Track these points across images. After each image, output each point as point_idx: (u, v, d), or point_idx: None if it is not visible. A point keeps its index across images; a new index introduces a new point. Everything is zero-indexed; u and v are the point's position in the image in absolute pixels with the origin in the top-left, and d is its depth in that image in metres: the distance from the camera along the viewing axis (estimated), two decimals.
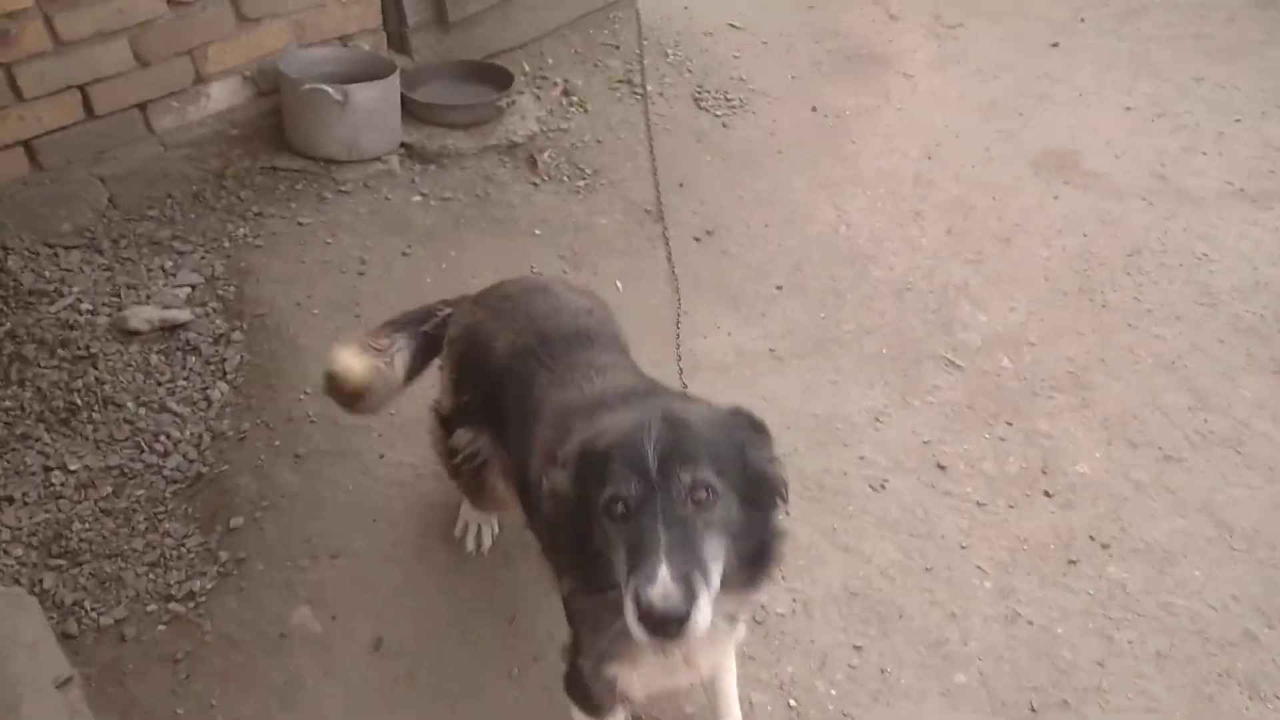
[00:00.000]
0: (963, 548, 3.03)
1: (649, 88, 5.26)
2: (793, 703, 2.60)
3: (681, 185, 4.73)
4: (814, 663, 2.70)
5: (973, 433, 3.46)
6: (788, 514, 1.93)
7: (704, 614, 1.60)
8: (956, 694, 2.62)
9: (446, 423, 2.70)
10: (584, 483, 1.80)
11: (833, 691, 2.63)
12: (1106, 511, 3.15)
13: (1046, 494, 3.21)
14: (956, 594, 2.89)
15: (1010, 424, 3.50)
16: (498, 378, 2.43)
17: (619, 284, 4.09)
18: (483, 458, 2.58)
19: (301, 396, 3.43)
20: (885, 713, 2.57)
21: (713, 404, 2.02)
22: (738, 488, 1.78)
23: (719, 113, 5.25)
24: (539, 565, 2.62)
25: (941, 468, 3.31)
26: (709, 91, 5.38)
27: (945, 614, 2.83)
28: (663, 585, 1.57)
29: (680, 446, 1.73)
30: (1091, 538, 3.05)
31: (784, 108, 5.36)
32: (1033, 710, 2.57)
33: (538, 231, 4.39)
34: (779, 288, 4.14)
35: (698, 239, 4.39)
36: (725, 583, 1.74)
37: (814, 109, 5.37)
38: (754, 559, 1.86)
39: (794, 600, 2.86)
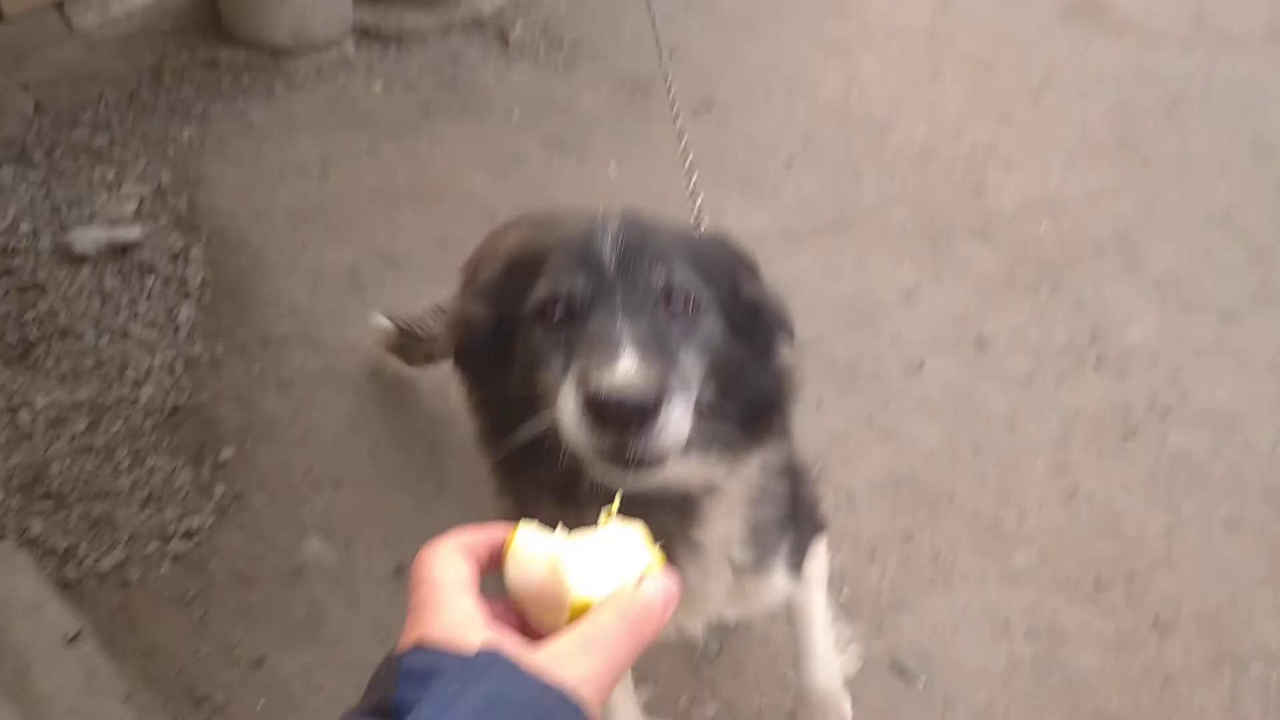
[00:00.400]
0: (1011, 428, 3.08)
1: None
2: (844, 595, 2.67)
3: (673, 54, 4.61)
4: (864, 553, 2.76)
5: (1013, 304, 3.48)
6: (791, 351, 1.71)
7: (677, 420, 1.28)
8: (1017, 574, 2.70)
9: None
10: (508, 298, 1.53)
11: (885, 581, 2.70)
12: (1164, 379, 3.20)
13: (1098, 362, 3.26)
14: (1009, 474, 2.95)
15: (1053, 291, 3.52)
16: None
17: (612, 167, 4.04)
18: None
19: (276, 316, 3.40)
20: (943, 597, 2.65)
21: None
22: (728, 316, 1.54)
23: None
24: None
25: (982, 344, 3.34)
26: None
27: (998, 494, 2.89)
28: (624, 365, 1.27)
29: (651, 242, 1.48)
30: (1150, 407, 3.11)
31: None
32: (1098, 583, 2.66)
33: (517, 115, 4.30)
34: (789, 162, 4.10)
35: (696, 113, 4.32)
36: (720, 439, 1.53)
37: None
38: (755, 410, 1.59)
39: (837, 493, 2.91)
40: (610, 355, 1.29)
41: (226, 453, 3.00)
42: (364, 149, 4.10)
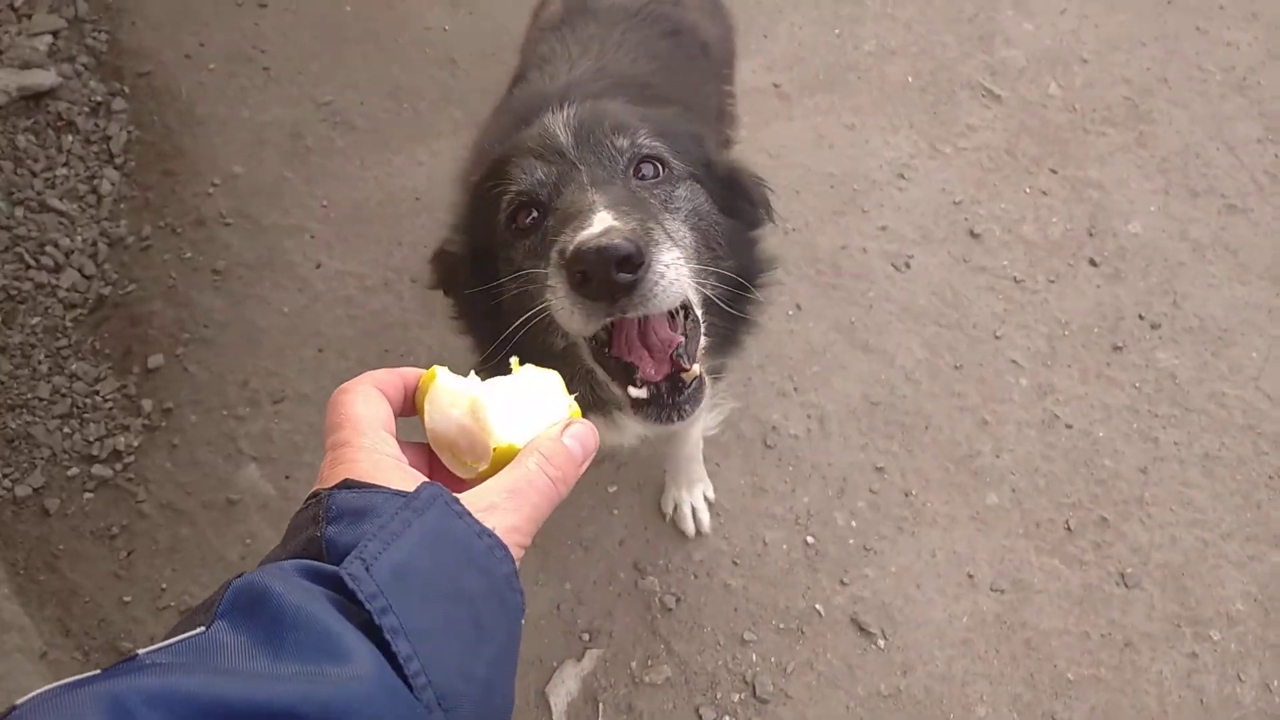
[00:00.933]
0: (997, 338, 2.66)
1: None
2: (810, 539, 2.37)
3: None
4: (832, 490, 2.44)
5: (1011, 186, 2.93)
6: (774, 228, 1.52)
7: (673, 267, 1.11)
8: (987, 517, 2.40)
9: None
10: (481, 223, 1.36)
11: (853, 523, 2.40)
12: (1159, 282, 2.74)
13: (1092, 262, 2.78)
14: (989, 396, 2.57)
15: (1055, 171, 2.96)
16: None
17: None
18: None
19: (210, 190, 2.80)
20: (910, 544, 2.36)
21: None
22: (703, 176, 1.35)
23: None
24: None
25: (975, 236, 2.84)
26: None
27: (976, 421, 2.53)
28: (599, 219, 1.11)
29: (607, 116, 1.31)
30: (1141, 316, 2.68)
31: None
32: (1069, 530, 2.37)
33: None
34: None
35: None
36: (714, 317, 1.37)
37: None
38: (732, 287, 1.38)
39: (809, 416, 2.53)
40: (584, 220, 1.12)
41: (155, 359, 2.54)
42: None
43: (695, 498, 2.34)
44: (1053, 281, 2.77)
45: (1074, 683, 2.16)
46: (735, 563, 2.32)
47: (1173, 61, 3.22)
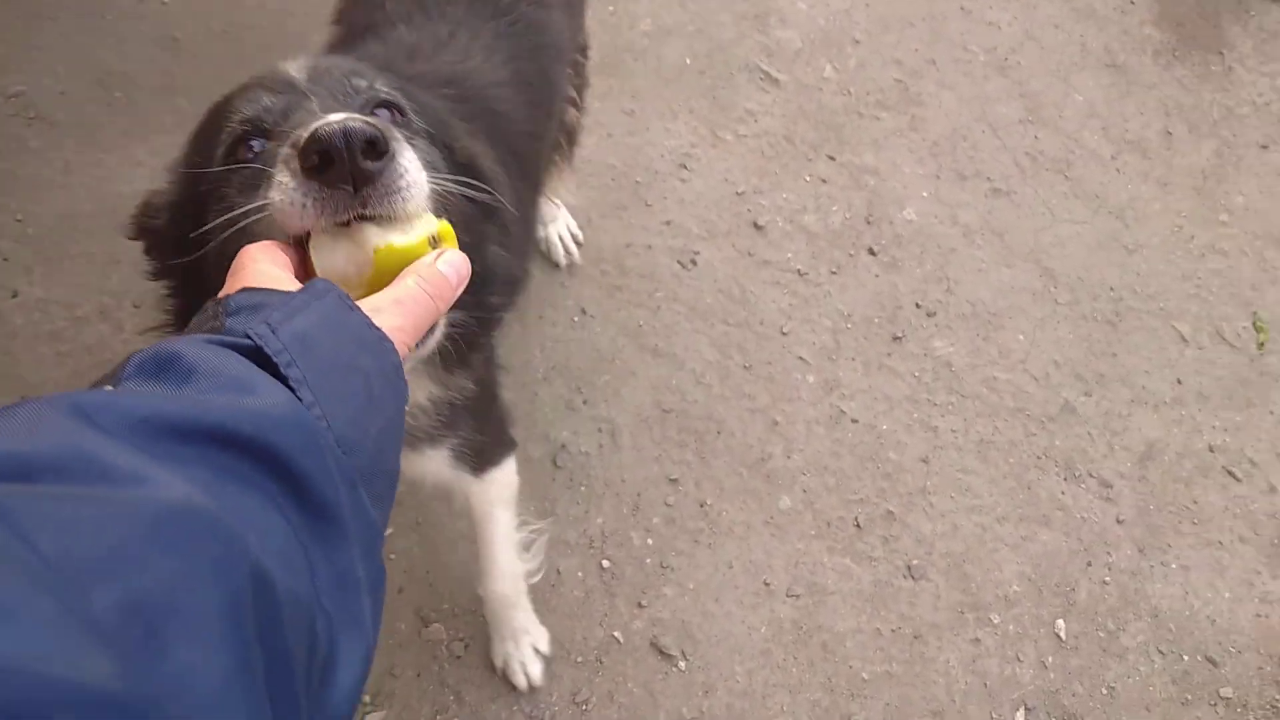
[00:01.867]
0: (784, 334, 2.66)
1: None
2: (606, 562, 2.29)
3: None
4: (627, 507, 2.36)
5: (792, 174, 2.94)
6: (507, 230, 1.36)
7: (413, 165, 1.00)
8: (781, 520, 2.40)
9: None
10: (196, 166, 1.18)
11: (650, 540, 2.34)
12: (933, 270, 2.83)
13: (871, 251, 2.84)
14: (779, 395, 2.57)
15: (833, 158, 2.99)
16: None
17: None
18: None
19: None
20: (708, 556, 2.32)
21: None
22: (444, 159, 1.24)
23: None
24: None
25: (758, 228, 2.82)
26: None
27: (767, 422, 2.52)
28: (335, 115, 0.99)
29: (346, 63, 1.25)
30: (918, 304, 2.76)
31: None
32: (858, 526, 2.41)
33: None
34: None
35: None
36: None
37: None
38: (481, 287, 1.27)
39: (600, 430, 2.44)
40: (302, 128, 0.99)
41: None
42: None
43: (523, 652, 2.12)
44: (834, 273, 2.80)
45: (868, 681, 2.22)
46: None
47: (939, 42, 3.33)
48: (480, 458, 1.74)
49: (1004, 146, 3.13)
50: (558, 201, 2.59)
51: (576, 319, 2.58)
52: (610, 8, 3.12)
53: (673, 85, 3.03)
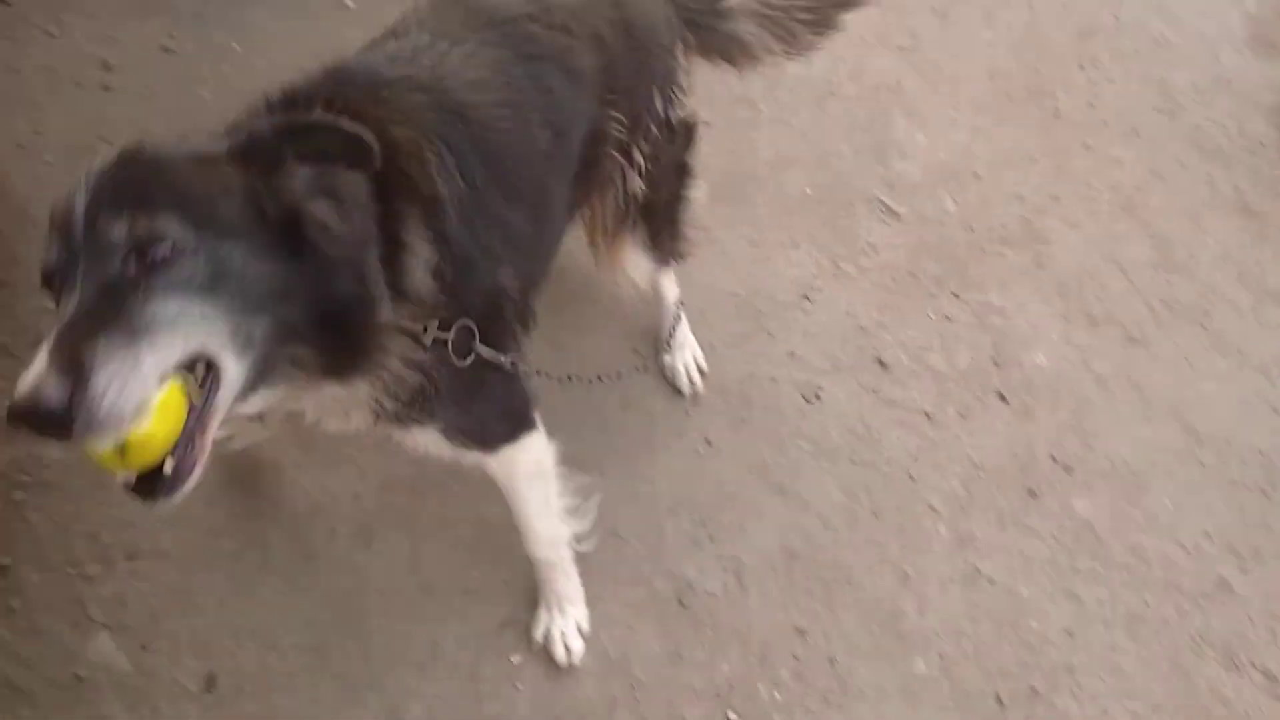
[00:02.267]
0: (912, 479, 2.53)
1: None
2: (733, 715, 2.13)
3: None
4: (754, 657, 2.21)
5: (916, 310, 2.85)
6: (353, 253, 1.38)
7: (102, 406, 1.11)
8: (916, 687, 2.23)
9: None
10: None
11: (777, 695, 2.18)
12: (1069, 420, 2.70)
13: (1001, 396, 2.72)
14: (909, 546, 2.43)
15: (957, 295, 2.91)
16: None
17: None
18: None
19: (39, 305, 2.35)
20: (838, 718, 2.16)
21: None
22: (250, 233, 1.28)
23: None
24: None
25: (883, 364, 2.72)
26: None
27: (898, 576, 2.37)
28: (31, 374, 1.11)
29: (124, 190, 1.26)
30: (1054, 458, 2.62)
31: None
32: (1000, 703, 2.23)
33: (354, 3, 3.12)
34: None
35: None
36: (304, 364, 1.37)
37: None
38: (334, 332, 1.37)
39: (725, 570, 2.31)
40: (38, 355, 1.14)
41: None
42: (157, 45, 2.88)
43: (566, 623, 2.16)
44: (963, 417, 2.68)
45: None
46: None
47: (1062, 178, 3.26)
48: (480, 439, 1.79)
49: (1135, 290, 3.02)
50: (628, 276, 2.40)
51: (701, 450, 2.49)
52: (732, 135, 3.12)
53: (794, 214, 2.99)
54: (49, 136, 2.67)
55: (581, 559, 2.17)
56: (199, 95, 2.80)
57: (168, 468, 1.23)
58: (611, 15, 1.97)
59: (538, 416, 1.90)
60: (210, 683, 2.03)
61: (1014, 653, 2.31)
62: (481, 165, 1.62)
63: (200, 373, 1.25)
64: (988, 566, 2.43)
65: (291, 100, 1.51)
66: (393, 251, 1.45)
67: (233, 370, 1.27)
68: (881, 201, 3.07)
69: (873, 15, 3.50)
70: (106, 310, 1.17)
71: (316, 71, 1.60)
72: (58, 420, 1.09)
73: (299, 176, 1.32)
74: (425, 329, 1.50)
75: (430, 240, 1.50)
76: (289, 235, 1.30)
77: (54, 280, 1.23)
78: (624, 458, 2.44)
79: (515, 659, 2.15)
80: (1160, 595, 2.44)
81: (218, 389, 1.27)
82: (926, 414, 2.66)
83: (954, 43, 3.57)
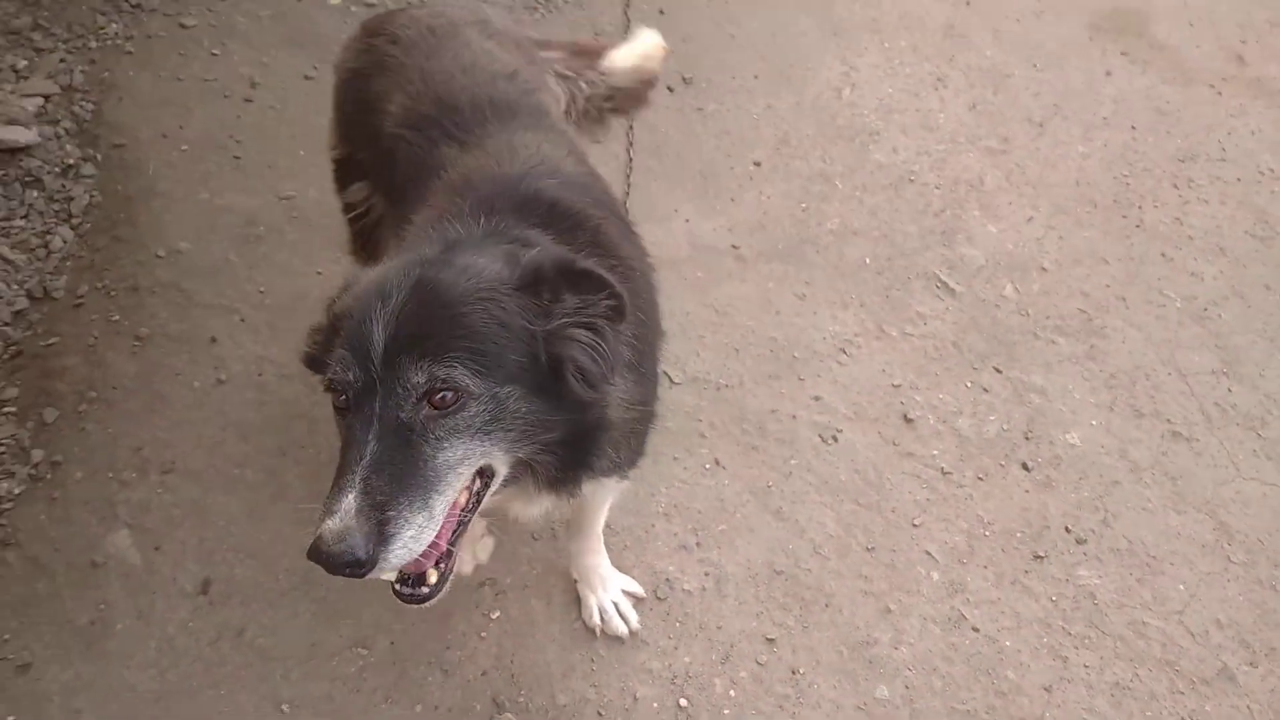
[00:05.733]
0: (915, 525, 2.72)
1: None
2: (684, 702, 2.36)
3: (662, 13, 4.07)
4: (717, 654, 2.44)
5: (953, 379, 3.07)
6: (600, 393, 1.61)
7: (397, 557, 1.40)
8: (875, 710, 2.38)
9: (341, 169, 2.43)
10: (324, 350, 1.57)
11: (732, 692, 2.39)
12: (1091, 497, 2.82)
13: (1025, 466, 2.88)
14: (897, 584, 2.60)
15: (999, 371, 3.11)
16: (389, 145, 2.08)
17: None
18: (376, 215, 2.37)
19: (153, 260, 2.98)
20: None
21: (543, 247, 1.65)
22: (524, 374, 1.51)
23: None
24: None
25: (908, 421, 2.95)
26: None
27: (879, 608, 2.55)
28: (340, 520, 1.37)
29: (422, 330, 1.44)
30: (1067, 529, 2.74)
31: None
32: None
33: None
34: (758, 164, 3.61)
35: (671, 88, 3.80)
36: (542, 470, 1.62)
37: None
38: (572, 448, 1.63)
39: (706, 574, 2.57)
40: (335, 500, 1.39)
41: (52, 414, 2.65)
42: (301, 73, 3.59)
43: (615, 594, 2.46)
44: (981, 479, 2.85)
45: None
46: (600, 714, 2.31)
47: (1134, 283, 3.43)
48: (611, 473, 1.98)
49: (1190, 393, 3.12)
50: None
51: (708, 467, 2.78)
52: (803, 205, 3.50)
53: (848, 279, 3.30)
54: (188, 131, 3.35)
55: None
56: (322, 121, 3.46)
57: (432, 577, 1.54)
58: None
59: None
60: (205, 587, 2.44)
61: (984, 697, 2.42)
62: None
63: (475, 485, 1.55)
64: (975, 615, 2.56)
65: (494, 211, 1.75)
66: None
67: (494, 485, 1.58)
68: (939, 279, 3.34)
69: (967, 118, 3.91)
70: (401, 456, 1.42)
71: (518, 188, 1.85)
72: (357, 567, 1.36)
73: (569, 321, 1.54)
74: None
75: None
76: (554, 375, 1.53)
77: (347, 400, 1.47)
78: None
79: (494, 615, 2.46)
80: (1154, 672, 2.48)
81: (483, 499, 1.56)
82: (943, 470, 2.85)
83: (1046, 150, 3.85)
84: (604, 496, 2.19)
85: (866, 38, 4.16)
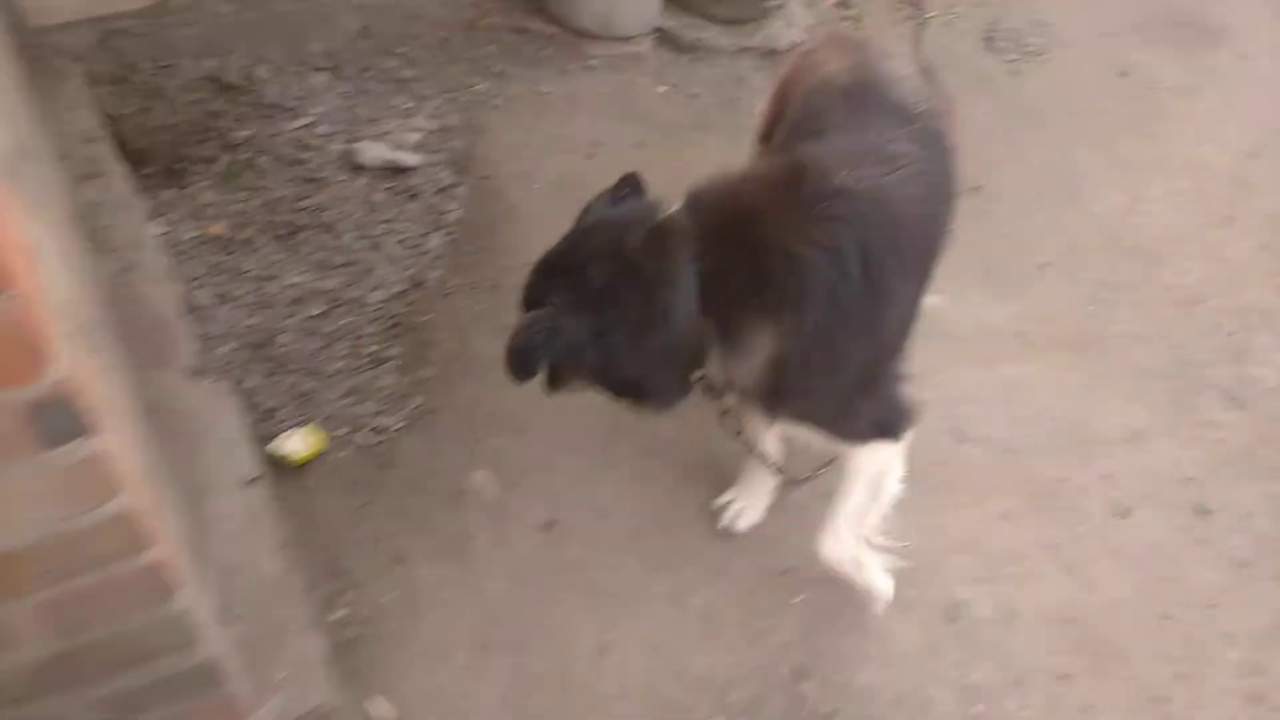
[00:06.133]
0: (1212, 606, 2.74)
1: (933, 14, 4.95)
2: (981, 708, 2.46)
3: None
4: (1009, 678, 2.53)
5: (1247, 482, 3.10)
6: None
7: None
8: None
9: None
10: None
11: (1026, 713, 2.46)
12: None
13: None
14: (1195, 654, 2.62)
15: None
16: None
17: None
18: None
19: (513, 268, 3.46)
20: None
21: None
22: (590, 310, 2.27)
23: (1010, 57, 4.86)
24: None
25: (1203, 511, 2.99)
26: (1003, 30, 4.99)
27: (1175, 672, 2.57)
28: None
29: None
30: None
31: (1088, 66, 4.90)
32: None
33: None
34: (1043, 267, 3.83)
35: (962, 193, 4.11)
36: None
37: (1123, 74, 4.88)
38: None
39: (997, 606, 2.68)
40: None
41: (429, 371, 3.15)
42: (633, 142, 4.13)
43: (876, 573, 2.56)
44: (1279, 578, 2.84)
45: None
46: (896, 701, 2.47)
47: None
48: (846, 433, 2.32)
49: None
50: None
51: (997, 518, 2.90)
52: (1090, 306, 3.66)
53: (1136, 379, 3.40)
54: (542, 174, 3.90)
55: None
56: (652, 180, 3.92)
57: None
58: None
59: (905, 434, 2.36)
60: (549, 526, 2.84)
61: None
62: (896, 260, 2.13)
63: None
64: (1277, 696, 2.53)
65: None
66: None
67: None
68: (1229, 393, 3.40)
69: (1259, 256, 4.04)
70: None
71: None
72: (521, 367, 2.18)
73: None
74: None
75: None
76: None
77: None
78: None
79: (795, 600, 2.68)
80: None
81: None
82: (1241, 562, 2.86)
83: None
84: (853, 467, 2.38)
85: (1150, 175, 4.36)
